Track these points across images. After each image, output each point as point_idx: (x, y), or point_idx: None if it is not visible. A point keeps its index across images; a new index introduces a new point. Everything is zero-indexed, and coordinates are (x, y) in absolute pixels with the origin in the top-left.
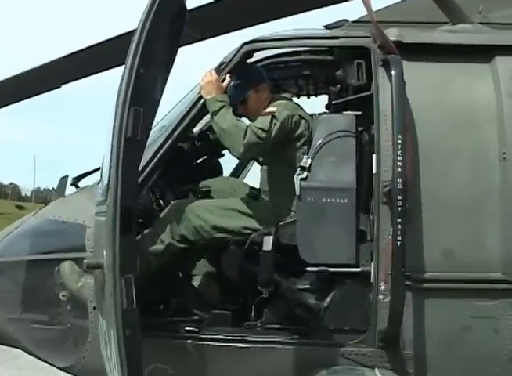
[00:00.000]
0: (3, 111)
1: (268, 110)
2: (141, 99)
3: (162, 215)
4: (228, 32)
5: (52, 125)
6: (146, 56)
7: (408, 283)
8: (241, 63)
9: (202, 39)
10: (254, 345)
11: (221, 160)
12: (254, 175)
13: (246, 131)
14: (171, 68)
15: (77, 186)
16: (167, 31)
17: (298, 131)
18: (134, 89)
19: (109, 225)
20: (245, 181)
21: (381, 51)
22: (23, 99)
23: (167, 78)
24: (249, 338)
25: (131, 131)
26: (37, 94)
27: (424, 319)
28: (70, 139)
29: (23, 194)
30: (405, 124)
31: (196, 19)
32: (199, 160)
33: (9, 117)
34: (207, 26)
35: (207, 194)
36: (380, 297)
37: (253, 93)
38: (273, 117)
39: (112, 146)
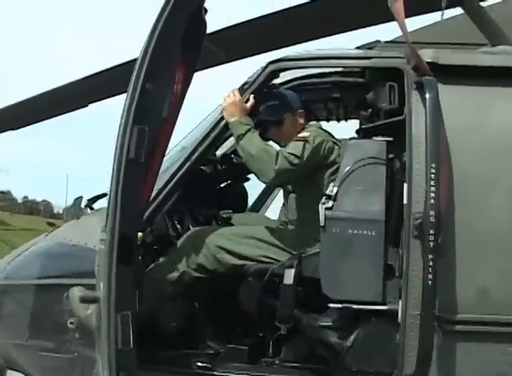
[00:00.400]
0: (38, 131)
1: (301, 135)
2: (146, 117)
3: (179, 242)
4: (255, 54)
5: (86, 144)
6: (154, 70)
7: (438, 324)
8: (266, 83)
9: (227, 61)
10: None
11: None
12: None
13: (277, 156)
14: (187, 88)
15: (91, 208)
16: (180, 41)
17: (331, 158)
18: (138, 106)
19: (105, 255)
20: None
21: (415, 73)
22: (49, 118)
23: (183, 97)
24: None
25: (134, 151)
26: (64, 113)
27: (455, 364)
28: (102, 158)
29: (56, 211)
30: (439, 151)
31: (222, 40)
32: (222, 185)
33: (44, 137)
34: (233, 47)
35: (228, 221)
36: (408, 338)
37: (290, 117)
38: (306, 142)
39: (113, 167)
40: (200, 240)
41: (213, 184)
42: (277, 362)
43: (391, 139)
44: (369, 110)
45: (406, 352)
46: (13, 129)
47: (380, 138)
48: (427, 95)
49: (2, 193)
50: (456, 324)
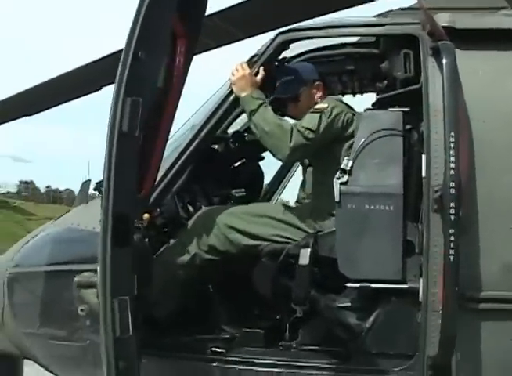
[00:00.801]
0: (59, 120)
1: (317, 106)
2: (139, 88)
3: (189, 223)
4: (272, 29)
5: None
6: (146, 38)
7: (461, 302)
8: (276, 55)
9: (244, 38)
10: (287, 370)
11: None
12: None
13: (291, 131)
14: (190, 61)
15: (100, 192)
16: (175, 10)
17: (350, 130)
18: (130, 76)
19: (100, 236)
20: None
21: (431, 38)
22: (63, 102)
23: (186, 70)
24: (281, 362)
25: (127, 124)
26: (79, 97)
27: (480, 344)
28: None
29: None
30: (458, 119)
31: (236, 18)
32: (236, 164)
33: (65, 126)
34: (248, 23)
35: (241, 200)
36: (430, 318)
37: (306, 90)
38: (322, 113)
39: (106, 143)
40: (211, 220)
41: (226, 163)
42: (294, 345)
43: (407, 109)
44: (385, 81)
45: (428, 332)
46: (28, 115)
47: (396, 108)
48: (444, 61)
49: (26, 183)
50: (481, 302)
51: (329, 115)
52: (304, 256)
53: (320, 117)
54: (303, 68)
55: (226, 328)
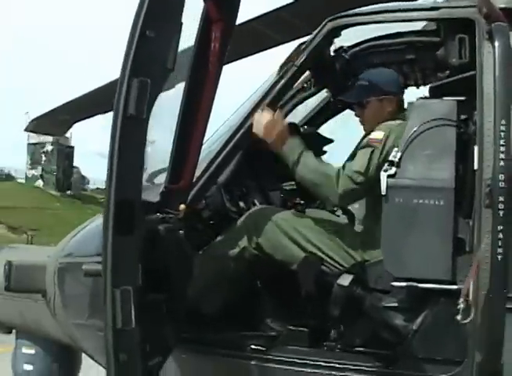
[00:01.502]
0: None
1: (372, 136)
2: (148, 69)
3: (241, 219)
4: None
5: None
6: (156, 14)
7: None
8: (326, 43)
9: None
10: (328, 372)
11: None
12: None
13: (337, 177)
14: (226, 47)
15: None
16: None
17: None
18: (138, 56)
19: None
20: None
21: (487, 22)
22: None
23: (223, 56)
24: (323, 364)
25: (134, 107)
26: None
27: None
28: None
29: None
30: (509, 106)
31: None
32: None
33: None
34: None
35: (291, 193)
36: (477, 322)
37: (375, 101)
38: (374, 150)
39: (112, 126)
40: (263, 220)
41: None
42: (339, 346)
43: (462, 98)
44: (447, 71)
45: (478, 337)
46: (101, 113)
47: (450, 98)
48: (496, 43)
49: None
50: None
51: (382, 149)
52: (346, 278)
53: (371, 155)
54: (382, 76)
55: (273, 325)
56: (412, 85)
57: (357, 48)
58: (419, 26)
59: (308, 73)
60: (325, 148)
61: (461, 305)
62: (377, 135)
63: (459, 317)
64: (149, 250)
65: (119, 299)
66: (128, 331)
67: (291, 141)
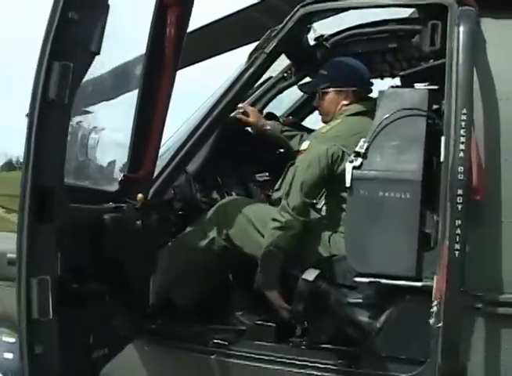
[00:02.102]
0: None
1: (302, 146)
2: (70, 52)
3: (212, 209)
4: None
5: None
6: None
7: (478, 305)
8: (297, 30)
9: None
10: (289, 369)
11: None
12: None
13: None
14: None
15: None
16: None
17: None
18: (59, 39)
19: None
20: None
21: (459, 7)
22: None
23: (180, 41)
24: (284, 360)
25: (55, 92)
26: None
27: (500, 352)
28: None
29: None
30: (471, 93)
31: None
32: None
33: None
34: None
35: (266, 185)
36: (435, 321)
37: (332, 93)
38: (295, 169)
39: (29, 111)
40: (233, 210)
41: (267, 148)
42: (304, 342)
43: (435, 87)
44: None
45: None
46: None
47: (421, 86)
48: (461, 28)
49: None
50: (501, 306)
51: (303, 166)
52: (311, 273)
53: (293, 176)
54: (344, 67)
55: (242, 319)
56: (397, 75)
57: (338, 37)
58: (405, 13)
59: (289, 62)
60: None
61: (434, 308)
62: (303, 145)
63: (431, 321)
64: (94, 239)
65: (35, 288)
66: (44, 322)
67: None
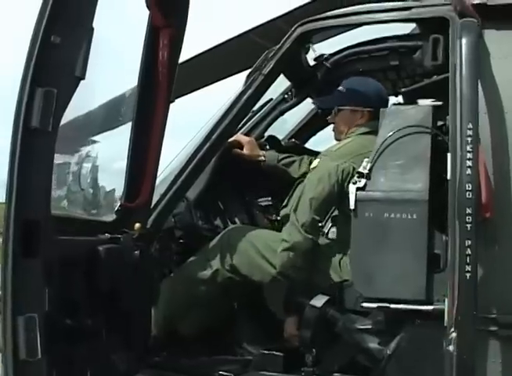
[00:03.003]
0: None
1: (312, 165)
2: (54, 78)
3: (215, 238)
4: None
5: None
6: (61, 18)
7: (493, 328)
8: (295, 49)
9: None
10: None
11: None
12: None
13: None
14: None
15: None
16: None
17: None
18: (41, 64)
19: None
20: None
21: (461, 19)
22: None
23: (174, 64)
24: None
25: (38, 119)
26: None
27: None
28: None
29: None
30: (476, 108)
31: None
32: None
33: None
34: None
35: (266, 211)
36: (450, 346)
37: (347, 111)
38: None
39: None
40: (238, 239)
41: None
42: (316, 371)
43: (439, 103)
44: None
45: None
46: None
47: (425, 102)
48: (464, 40)
49: None
50: None
51: (311, 184)
52: (320, 299)
53: (300, 194)
54: (363, 86)
55: (249, 349)
56: (400, 93)
57: (338, 56)
58: (407, 29)
59: (289, 83)
60: None
61: (452, 335)
62: (314, 164)
63: (451, 348)
64: (88, 272)
65: (22, 327)
66: (32, 363)
67: None
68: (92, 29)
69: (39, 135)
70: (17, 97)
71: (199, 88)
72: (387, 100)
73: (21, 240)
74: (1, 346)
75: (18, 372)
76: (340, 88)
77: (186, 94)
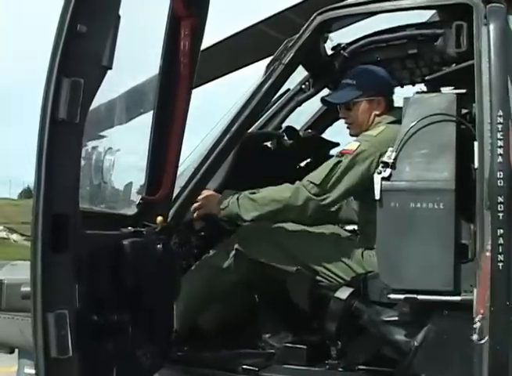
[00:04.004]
0: None
1: (346, 147)
2: (81, 68)
3: (238, 230)
4: None
5: None
6: (87, 7)
7: None
8: (315, 39)
9: None
10: None
11: None
12: None
13: (284, 188)
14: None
15: None
16: None
17: None
18: (68, 54)
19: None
20: None
21: (485, 5)
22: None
23: (196, 54)
24: None
25: (65, 111)
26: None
27: None
28: None
29: None
30: (507, 96)
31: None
32: (302, 164)
33: None
34: None
35: None
36: (478, 338)
37: (363, 102)
38: (338, 163)
39: (39, 132)
40: (257, 233)
41: (286, 162)
42: (341, 364)
43: (463, 90)
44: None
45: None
46: None
47: (449, 90)
48: (491, 26)
49: None
50: None
51: (351, 162)
52: (344, 291)
53: (332, 168)
54: (371, 75)
55: (271, 342)
56: (418, 82)
57: (356, 45)
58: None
59: (306, 73)
60: (332, 152)
61: (477, 324)
62: (351, 145)
63: (475, 337)
64: (114, 267)
65: (53, 324)
66: (64, 360)
67: (224, 195)
68: (119, 17)
69: (66, 126)
70: (44, 88)
71: (210, 81)
72: (394, 87)
73: (50, 234)
74: (31, 344)
75: (50, 370)
76: (348, 81)
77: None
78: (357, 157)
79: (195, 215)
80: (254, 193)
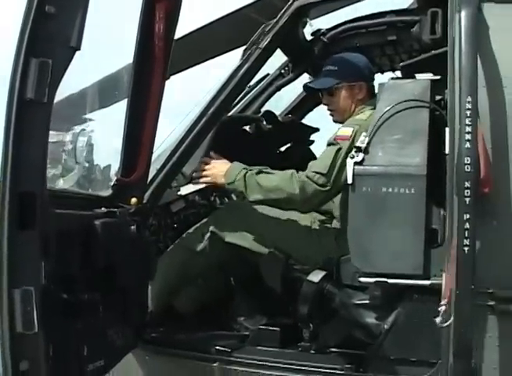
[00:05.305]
0: None
1: (339, 133)
2: (49, 48)
3: (213, 212)
4: None
5: None
6: None
7: (490, 303)
8: (293, 24)
9: None
10: (295, 375)
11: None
12: None
13: (293, 181)
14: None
15: None
16: None
17: None
18: (36, 34)
19: None
20: None
21: None
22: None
23: (171, 38)
24: (288, 366)
25: (33, 90)
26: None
27: None
28: None
29: None
30: (475, 80)
31: None
32: (282, 149)
33: None
34: None
35: None
36: (442, 320)
37: (344, 87)
38: (339, 148)
39: (6, 111)
40: (233, 215)
41: (267, 147)
42: (313, 346)
43: (438, 77)
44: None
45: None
46: None
47: (423, 76)
48: (463, 13)
49: None
50: None
51: (350, 147)
52: (317, 274)
53: (336, 155)
54: (351, 60)
55: (246, 324)
56: (398, 69)
57: (335, 31)
58: (405, 4)
59: (286, 59)
60: (312, 137)
61: (442, 307)
62: (345, 131)
63: (438, 320)
64: (85, 246)
65: (18, 300)
66: (29, 336)
67: (232, 171)
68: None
69: (34, 106)
70: (12, 68)
71: (192, 66)
72: (374, 73)
73: (17, 212)
74: None
75: (14, 345)
76: (329, 67)
77: (180, 71)
78: (354, 142)
79: (201, 180)
80: (261, 171)
